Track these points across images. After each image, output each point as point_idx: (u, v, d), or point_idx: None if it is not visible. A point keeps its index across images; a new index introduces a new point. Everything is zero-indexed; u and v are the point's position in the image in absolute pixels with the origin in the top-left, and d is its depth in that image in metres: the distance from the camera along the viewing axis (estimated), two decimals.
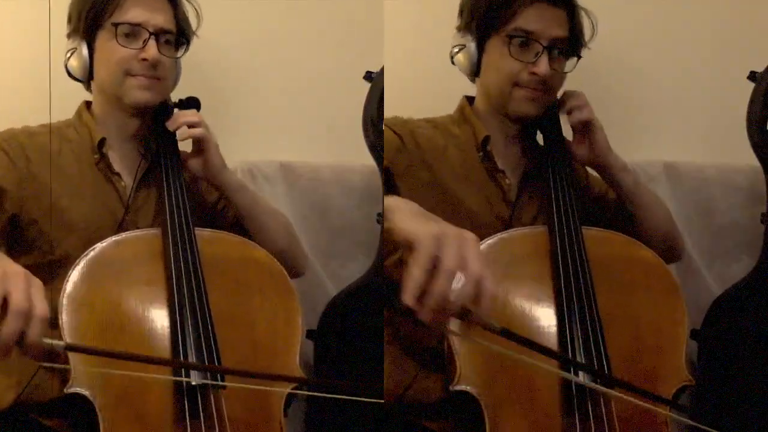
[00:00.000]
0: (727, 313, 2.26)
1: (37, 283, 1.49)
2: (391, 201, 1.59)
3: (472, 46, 2.04)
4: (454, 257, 1.44)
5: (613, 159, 2.05)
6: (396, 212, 1.54)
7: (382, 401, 1.70)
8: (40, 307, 1.46)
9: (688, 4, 2.47)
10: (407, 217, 1.53)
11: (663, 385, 1.82)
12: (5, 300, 1.45)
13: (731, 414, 2.16)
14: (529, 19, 1.97)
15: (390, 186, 2.01)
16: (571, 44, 2.02)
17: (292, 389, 1.83)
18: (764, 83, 2.27)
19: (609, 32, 2.37)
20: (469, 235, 1.48)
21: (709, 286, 2.41)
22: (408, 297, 1.44)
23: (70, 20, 2.02)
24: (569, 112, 2.02)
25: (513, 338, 1.54)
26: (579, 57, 2.03)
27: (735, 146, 2.34)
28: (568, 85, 2.10)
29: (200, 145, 1.99)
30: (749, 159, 2.31)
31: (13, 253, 1.94)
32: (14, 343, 1.45)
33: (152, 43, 1.96)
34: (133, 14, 1.96)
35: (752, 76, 2.29)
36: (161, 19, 1.98)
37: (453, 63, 2.09)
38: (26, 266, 1.86)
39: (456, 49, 2.06)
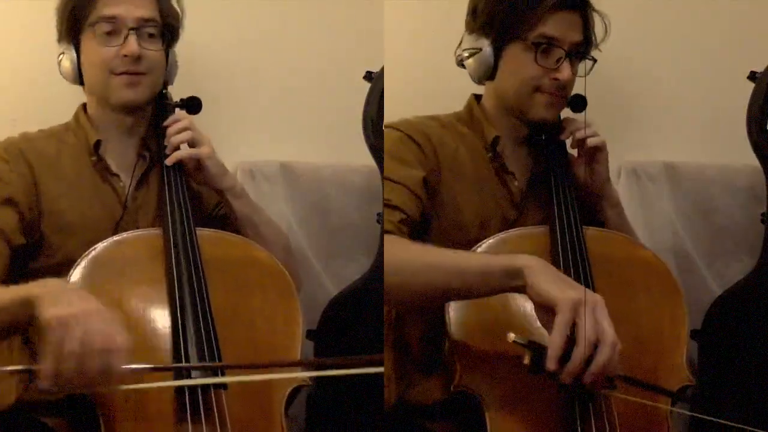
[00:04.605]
0: (727, 313, 2.26)
1: (113, 316, 1.60)
2: (530, 261, 1.71)
3: (488, 50, 2.00)
4: (592, 327, 1.63)
5: (610, 190, 2.06)
6: (538, 273, 1.68)
7: (382, 370, 1.71)
8: (121, 340, 1.58)
9: (689, 4, 2.47)
10: (549, 279, 1.68)
11: (663, 385, 1.82)
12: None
13: (731, 414, 2.16)
14: (552, 26, 1.96)
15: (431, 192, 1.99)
16: (585, 47, 2.02)
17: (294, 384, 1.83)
18: (764, 83, 2.27)
19: (609, 32, 2.38)
20: (600, 300, 1.66)
21: (709, 286, 2.41)
22: (551, 363, 1.63)
23: (57, 26, 2.01)
24: (579, 144, 2.03)
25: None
26: (594, 60, 2.04)
27: (735, 146, 2.35)
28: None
29: (196, 162, 1.98)
30: (749, 159, 2.32)
31: (21, 259, 1.95)
32: (99, 375, 1.57)
33: (132, 38, 1.93)
34: (109, 9, 1.94)
35: (752, 76, 2.30)
36: (140, 10, 1.95)
37: (459, 65, 2.06)
38: (33, 270, 1.89)
39: (467, 53, 2.03)
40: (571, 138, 2.04)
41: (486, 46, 2.00)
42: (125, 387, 1.64)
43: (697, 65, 2.47)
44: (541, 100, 1.99)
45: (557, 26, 1.96)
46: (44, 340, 1.56)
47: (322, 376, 2.22)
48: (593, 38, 2.04)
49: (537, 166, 2.06)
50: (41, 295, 1.60)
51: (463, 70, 2.06)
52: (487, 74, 2.03)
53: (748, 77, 2.30)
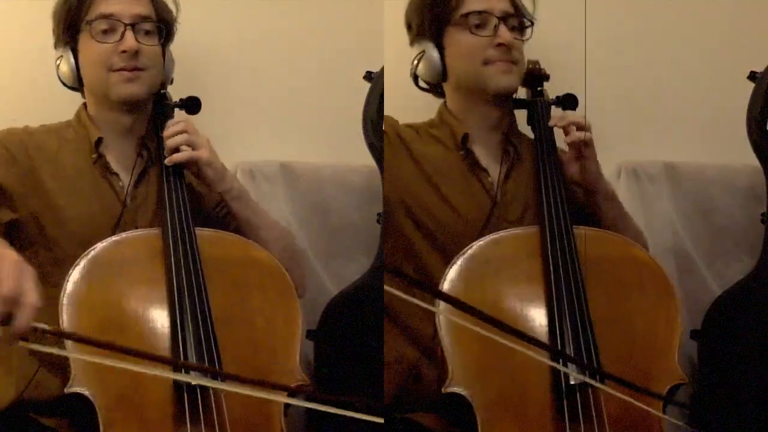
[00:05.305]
0: (727, 313, 2.26)
1: (29, 270, 1.51)
2: None
3: (430, 47, 2.08)
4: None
5: (603, 185, 2.07)
6: None
7: (382, 421, 1.71)
8: (31, 295, 1.48)
9: (689, 5, 2.47)
10: None
11: (655, 384, 1.83)
12: None
13: (731, 414, 2.16)
14: (475, 1, 2.05)
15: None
16: (517, 14, 2.08)
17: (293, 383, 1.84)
18: (764, 83, 2.27)
19: (609, 32, 2.39)
20: (16, 261, 1.51)
21: (709, 286, 2.41)
22: None
23: (54, 30, 2.03)
24: (566, 132, 2.04)
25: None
26: (532, 23, 2.09)
27: (735, 146, 2.34)
28: (569, 86, 2.11)
29: (195, 164, 1.98)
30: (749, 159, 2.31)
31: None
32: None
33: (129, 33, 1.95)
34: (105, 7, 1.97)
35: (752, 76, 2.30)
36: (136, 7, 1.98)
37: (416, 83, 2.16)
38: (32, 265, 1.88)
39: (416, 61, 2.11)
40: (563, 134, 2.05)
41: (428, 45, 2.09)
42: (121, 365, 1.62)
43: (697, 65, 2.47)
44: (493, 71, 2.05)
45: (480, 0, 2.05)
46: None
47: (321, 376, 2.24)
48: (520, 5, 2.10)
49: (513, 157, 2.09)
50: None
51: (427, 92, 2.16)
52: (439, 72, 2.10)
53: (748, 77, 2.30)
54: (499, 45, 2.03)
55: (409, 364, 1.98)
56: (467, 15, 2.04)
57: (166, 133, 1.98)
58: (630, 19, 2.46)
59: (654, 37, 2.47)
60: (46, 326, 1.54)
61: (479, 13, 2.04)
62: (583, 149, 2.02)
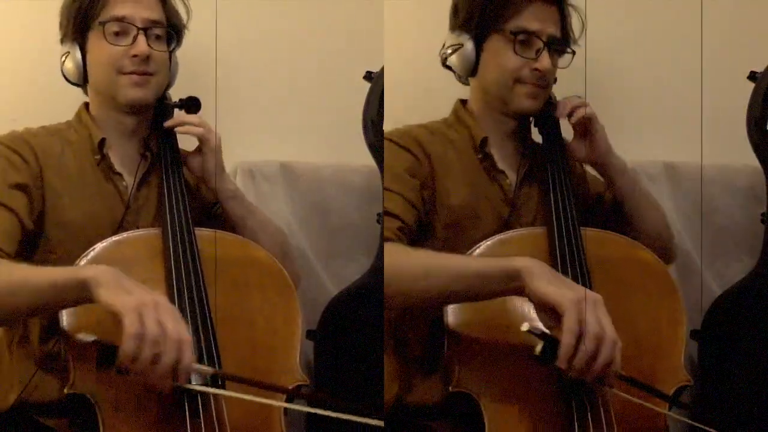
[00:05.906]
0: (727, 313, 2.26)
1: (177, 310, 1.67)
2: (528, 262, 1.73)
3: (469, 45, 2.05)
4: (595, 325, 1.67)
5: (614, 159, 2.07)
6: (536, 275, 1.71)
7: (383, 424, 1.71)
8: (186, 334, 1.63)
9: (689, 5, 2.47)
10: (547, 281, 1.71)
11: (661, 386, 1.82)
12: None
13: (732, 413, 2.16)
14: (529, 18, 2.01)
15: (428, 203, 2.01)
16: (563, 41, 2.06)
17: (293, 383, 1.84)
18: (764, 83, 2.28)
19: (609, 32, 2.39)
20: (599, 298, 1.70)
21: (709, 286, 2.41)
22: (563, 363, 1.67)
23: (61, 25, 2.03)
24: (570, 114, 2.04)
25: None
26: (573, 53, 2.08)
27: (735, 146, 2.35)
28: (569, 86, 2.11)
29: (200, 146, 2.00)
30: (749, 159, 2.31)
31: (18, 253, 1.95)
32: (171, 366, 1.62)
33: (141, 38, 1.95)
34: (119, 9, 1.96)
35: (752, 76, 2.30)
36: (148, 12, 1.98)
37: (444, 65, 2.11)
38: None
39: (450, 50, 2.08)
40: (567, 115, 2.06)
41: (467, 41, 2.05)
42: None
43: (697, 65, 2.46)
44: (522, 91, 2.03)
45: (534, 18, 2.02)
46: (123, 324, 1.60)
47: (321, 376, 2.24)
48: (570, 32, 2.08)
49: (527, 162, 2.08)
50: (97, 278, 1.64)
51: (450, 72, 2.11)
52: (469, 69, 2.07)
53: (748, 77, 2.30)
54: (536, 69, 2.01)
55: (404, 379, 1.98)
56: (517, 32, 2.01)
57: (182, 118, 2.01)
58: (630, 19, 2.46)
59: (654, 37, 2.47)
60: (205, 367, 1.69)
61: (529, 33, 2.01)
62: (589, 125, 2.03)
